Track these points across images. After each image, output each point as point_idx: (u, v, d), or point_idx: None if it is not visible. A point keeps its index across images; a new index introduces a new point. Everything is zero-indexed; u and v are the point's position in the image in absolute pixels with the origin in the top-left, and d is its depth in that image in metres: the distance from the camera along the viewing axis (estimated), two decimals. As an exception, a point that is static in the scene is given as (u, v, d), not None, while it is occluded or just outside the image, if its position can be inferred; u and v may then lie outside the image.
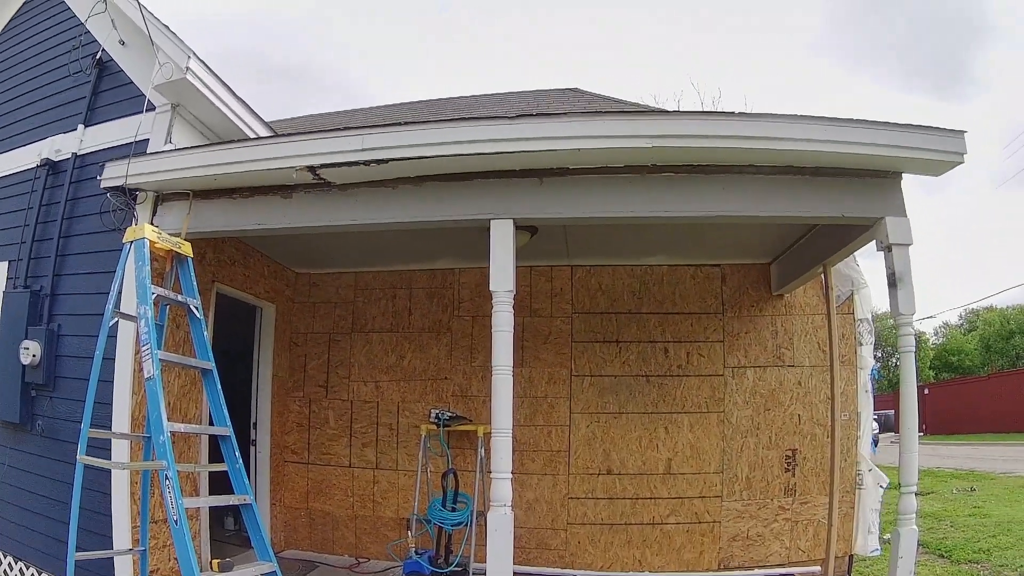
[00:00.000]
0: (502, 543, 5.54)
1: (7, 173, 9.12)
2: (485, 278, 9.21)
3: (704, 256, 9.46)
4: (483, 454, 8.79)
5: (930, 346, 67.38)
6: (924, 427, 31.71)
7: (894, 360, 67.49)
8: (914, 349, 6.03)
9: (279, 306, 10.17)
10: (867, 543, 8.81)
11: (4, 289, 8.53)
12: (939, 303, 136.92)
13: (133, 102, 7.79)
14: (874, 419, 24.21)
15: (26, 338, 7.81)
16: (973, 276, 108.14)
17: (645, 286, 9.61)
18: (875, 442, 15.07)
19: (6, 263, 8.66)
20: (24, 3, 10.13)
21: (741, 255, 9.40)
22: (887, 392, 51.37)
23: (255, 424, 9.94)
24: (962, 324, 74.57)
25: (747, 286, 9.48)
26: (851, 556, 8.83)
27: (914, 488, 5.78)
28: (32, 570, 7.86)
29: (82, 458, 5.56)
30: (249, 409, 9.96)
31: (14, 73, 9.71)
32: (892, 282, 5.84)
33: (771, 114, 5.86)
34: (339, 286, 10.51)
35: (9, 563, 8.23)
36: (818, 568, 8.47)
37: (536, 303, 9.63)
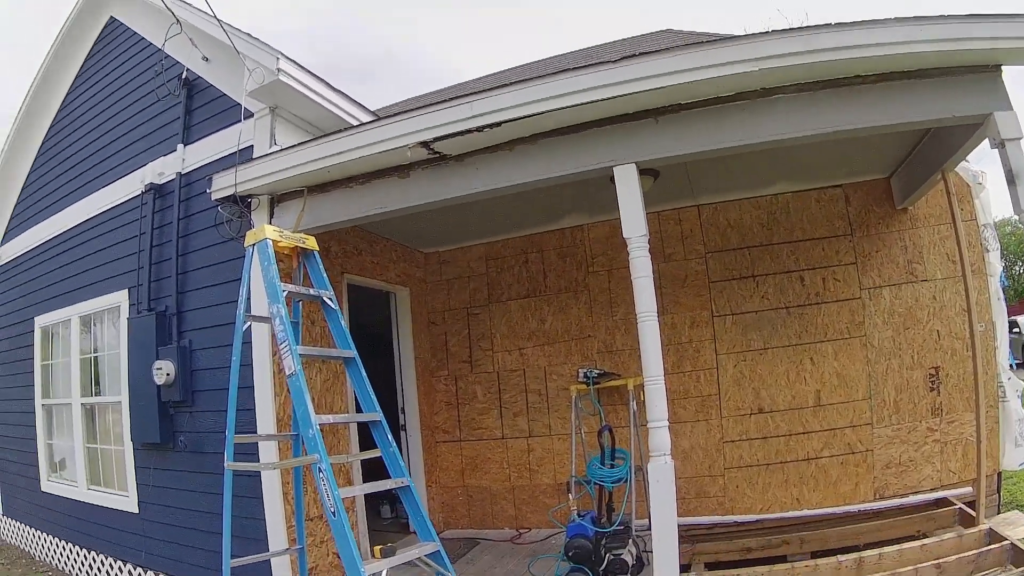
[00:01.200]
0: (665, 493, 5.49)
1: (112, 205, 9.47)
2: (614, 230, 9.38)
3: (826, 178, 9.35)
4: (635, 407, 8.77)
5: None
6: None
7: (1018, 268, 65.71)
8: None
9: (412, 288, 10.36)
10: (1015, 456, 8.66)
11: (128, 316, 8.83)
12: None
13: (228, 113, 7.99)
14: (1014, 326, 23.71)
15: (157, 359, 8.07)
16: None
17: (772, 216, 9.53)
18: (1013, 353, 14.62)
19: (126, 291, 8.99)
20: (95, 43, 10.44)
21: (861, 172, 9.25)
22: (1014, 302, 50.09)
23: (403, 409, 10.15)
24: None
25: (871, 203, 9.33)
26: (999, 473, 8.72)
27: None
28: (188, 584, 8.09)
29: (230, 464, 5.66)
30: (394, 395, 10.16)
31: (100, 109, 10.07)
32: (1010, 179, 5.64)
33: (865, 21, 5.74)
34: (470, 259, 10.67)
35: (162, 582, 8.46)
36: (969, 488, 8.31)
37: (668, 248, 9.60)
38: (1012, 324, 24.07)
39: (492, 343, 10.38)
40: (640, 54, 6.02)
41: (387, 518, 10.45)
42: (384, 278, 9.65)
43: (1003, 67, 5.86)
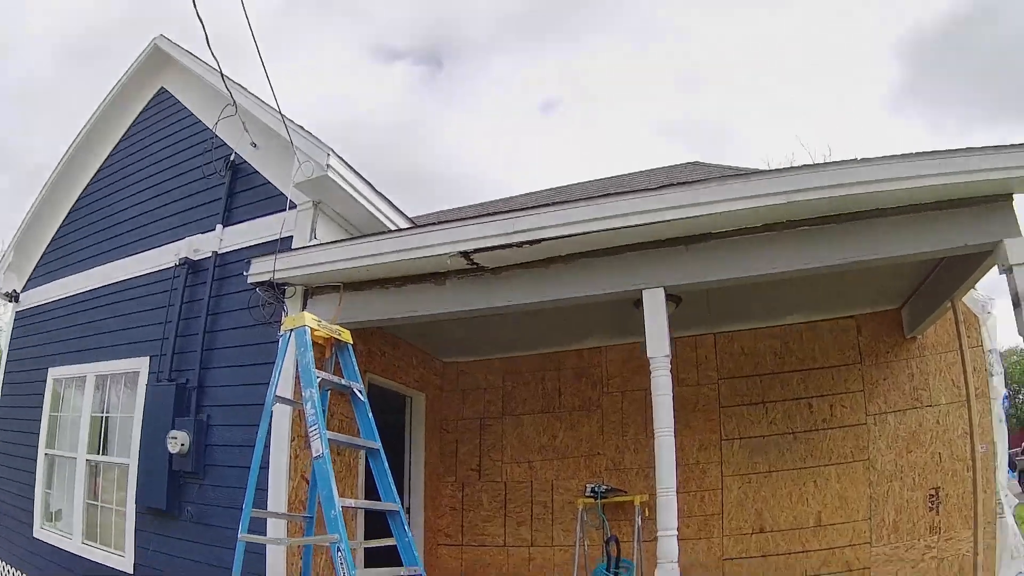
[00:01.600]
0: (671, 596, 5.65)
1: (143, 273, 9.65)
2: (631, 353, 9.63)
3: (838, 309, 9.63)
4: (639, 523, 9.02)
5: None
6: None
7: (1021, 396, 65.74)
8: None
9: (428, 394, 10.56)
10: (1011, 569, 8.84)
11: (147, 383, 8.98)
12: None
13: (271, 201, 8.27)
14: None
15: (173, 428, 8.22)
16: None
17: (785, 345, 9.81)
18: (1012, 466, 14.86)
19: (147, 358, 9.15)
20: (143, 111, 10.75)
21: (873, 303, 9.54)
22: (1015, 431, 50.11)
23: (408, 509, 10.16)
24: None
25: (881, 333, 9.61)
26: (995, 586, 8.86)
27: None
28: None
29: (244, 536, 5.72)
30: (401, 496, 10.22)
31: (141, 177, 10.33)
32: (1016, 302, 5.90)
33: (889, 155, 6.06)
34: (487, 372, 10.89)
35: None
36: (965, 603, 8.50)
37: (682, 373, 9.78)
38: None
39: (502, 454, 10.57)
40: (677, 184, 6.34)
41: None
42: (403, 381, 9.86)
43: (1014, 195, 6.16)
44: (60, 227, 12.05)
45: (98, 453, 9.96)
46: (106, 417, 10.01)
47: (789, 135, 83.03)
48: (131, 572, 8.84)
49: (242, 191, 8.80)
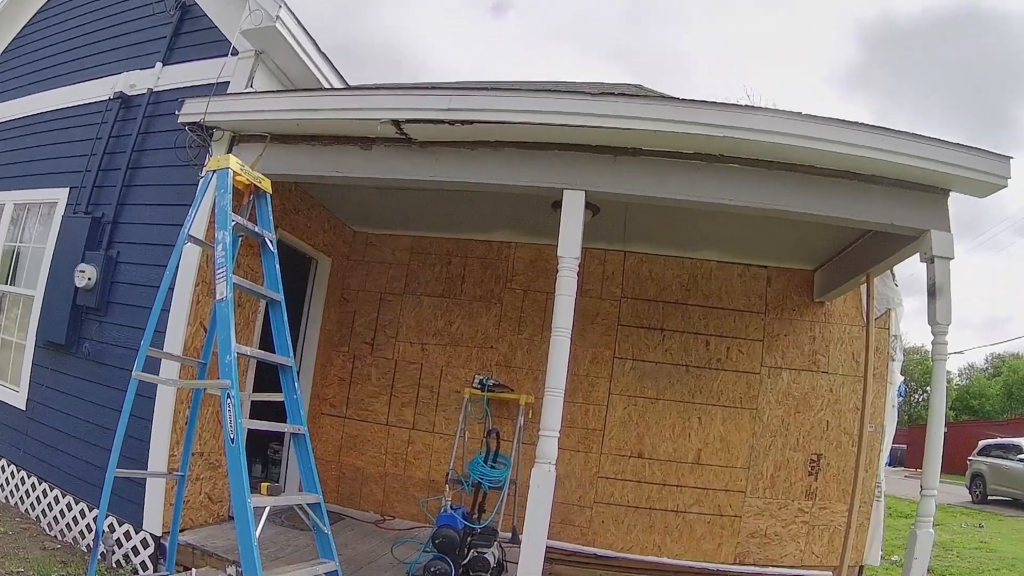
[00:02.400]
0: (543, 498, 5.74)
1: (74, 104, 9.48)
2: (539, 254, 9.68)
3: (753, 256, 9.76)
4: (522, 423, 9.10)
5: (953, 386, 67.29)
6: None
7: (915, 397, 67.46)
8: (947, 358, 6.32)
9: (335, 261, 10.48)
10: (877, 553, 9.14)
11: (64, 214, 8.88)
12: (968, 343, 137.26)
13: (214, 46, 8.14)
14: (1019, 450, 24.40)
15: (82, 261, 8.14)
16: (1003, 326, 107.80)
17: (694, 279, 9.91)
18: (892, 458, 15.33)
19: (67, 189, 9.05)
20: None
21: (788, 259, 9.68)
22: (903, 427, 51.29)
23: (298, 373, 10.13)
24: (987, 369, 74.49)
25: (790, 290, 9.77)
26: (862, 566, 9.10)
27: (935, 492, 6.00)
28: (57, 492, 8.19)
29: (138, 374, 5.69)
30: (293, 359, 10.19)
31: (87, 9, 10.04)
32: (932, 292, 6.12)
33: (837, 119, 6.15)
34: (395, 247, 10.81)
35: (32, 483, 8.56)
36: (830, 574, 8.75)
37: (587, 284, 9.87)
38: (1014, 447, 24.85)
39: (397, 332, 10.55)
40: (617, 94, 6.36)
41: (256, 477, 10.52)
42: (312, 243, 9.79)
43: (951, 192, 6.36)
44: (2, 53, 11.74)
45: (5, 283, 9.84)
46: (18, 248, 9.87)
47: (738, 84, 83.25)
48: (23, 408, 8.87)
49: (187, 32, 8.65)
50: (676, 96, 7.27)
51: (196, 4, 8.64)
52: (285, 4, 7.51)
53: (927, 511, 6.00)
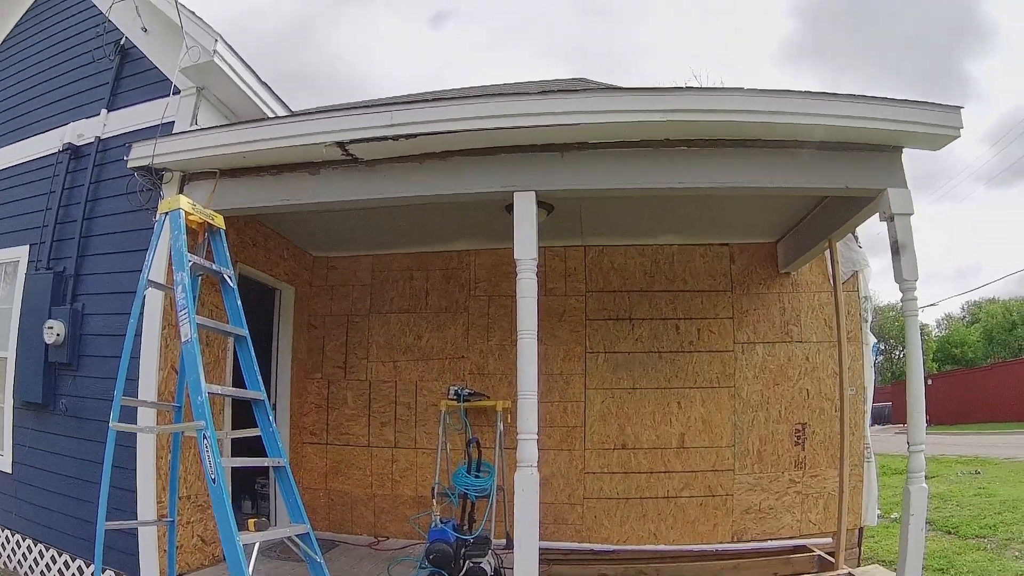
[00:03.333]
0: (529, 502, 5.74)
1: (26, 159, 9.39)
2: (500, 259, 9.63)
3: (713, 235, 9.74)
4: (502, 429, 9.09)
5: (932, 338, 67.60)
6: (928, 417, 32.23)
7: (896, 354, 67.81)
8: (918, 313, 6.39)
9: (298, 288, 10.37)
10: (874, 513, 9.12)
11: (26, 272, 8.78)
12: (942, 295, 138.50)
13: (156, 87, 8.04)
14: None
15: (50, 318, 8.03)
16: (974, 274, 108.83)
17: (656, 265, 9.89)
18: (877, 417, 15.43)
19: (27, 247, 8.93)
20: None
21: (749, 234, 9.69)
22: (885, 384, 51.62)
23: (274, 405, 9.98)
24: (964, 317, 74.92)
25: (755, 264, 9.78)
26: (861, 528, 9.13)
27: (922, 447, 6.06)
28: (53, 551, 8.09)
29: (115, 425, 5.59)
30: (267, 392, 10.06)
31: (31, 63, 9.95)
32: (896, 250, 6.16)
33: (778, 90, 6.15)
34: (357, 268, 10.70)
35: (28, 545, 8.44)
36: (830, 539, 8.67)
37: (550, 283, 9.85)
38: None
39: (368, 352, 10.46)
40: (556, 91, 6.35)
41: (247, 513, 10.42)
42: (273, 273, 9.69)
43: (904, 148, 6.38)
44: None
45: (-25, 346, 9.69)
46: (-15, 309, 9.73)
47: (684, 71, 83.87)
48: (10, 471, 8.73)
49: (129, 75, 8.57)
50: (617, 86, 7.24)
51: (135, 47, 8.57)
52: (221, 38, 7.44)
53: (917, 466, 6.03)
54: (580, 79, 12.98)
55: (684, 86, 6.48)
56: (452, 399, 9.27)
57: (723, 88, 6.37)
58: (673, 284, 9.83)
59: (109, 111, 8.48)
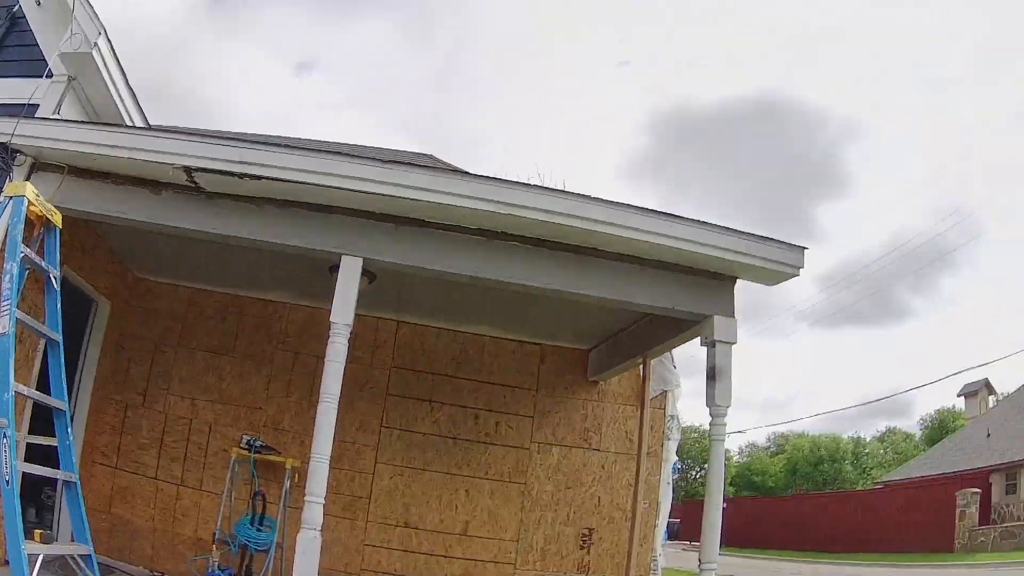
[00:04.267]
0: (309, 565, 5.71)
1: None
2: (312, 318, 9.67)
3: (527, 334, 9.99)
4: (288, 487, 9.01)
5: (733, 463, 69.54)
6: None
7: (692, 473, 69.59)
8: (725, 438, 6.62)
9: (115, 305, 9.87)
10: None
11: None
12: (747, 423, 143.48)
13: (34, 65, 7.83)
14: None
15: None
16: (780, 408, 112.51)
17: (466, 352, 10.06)
18: (668, 532, 15.78)
19: None
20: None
21: (563, 338, 9.97)
22: (678, 503, 52.84)
23: (72, 418, 9.65)
24: (769, 447, 77.10)
25: (564, 368, 10.05)
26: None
27: (714, 566, 6.29)
28: None
29: None
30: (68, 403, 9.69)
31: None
32: (712, 375, 6.43)
33: (617, 202, 6.39)
34: (174, 298, 10.28)
35: None
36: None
37: (358, 351, 9.56)
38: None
39: (169, 385, 10.02)
40: (407, 163, 6.50)
41: (31, 522, 9.94)
42: (95, 284, 9.24)
43: (738, 279, 6.69)
44: None
45: None
46: None
47: (530, 165, 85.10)
48: None
49: (13, 46, 8.28)
50: (465, 170, 7.31)
51: (25, 18, 8.32)
52: (105, 32, 7.41)
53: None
54: (428, 155, 13.10)
55: (526, 183, 6.58)
56: (244, 448, 9.15)
57: (564, 191, 6.50)
58: (479, 374, 9.99)
59: (-17, 75, 8.21)
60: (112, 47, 7.54)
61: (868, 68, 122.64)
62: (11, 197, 5.74)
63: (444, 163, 12.01)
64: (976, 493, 33.60)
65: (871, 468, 66.58)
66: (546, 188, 6.75)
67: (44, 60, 7.67)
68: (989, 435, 41.25)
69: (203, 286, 10.27)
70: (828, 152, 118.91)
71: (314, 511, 5.81)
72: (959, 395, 54.97)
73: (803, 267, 6.43)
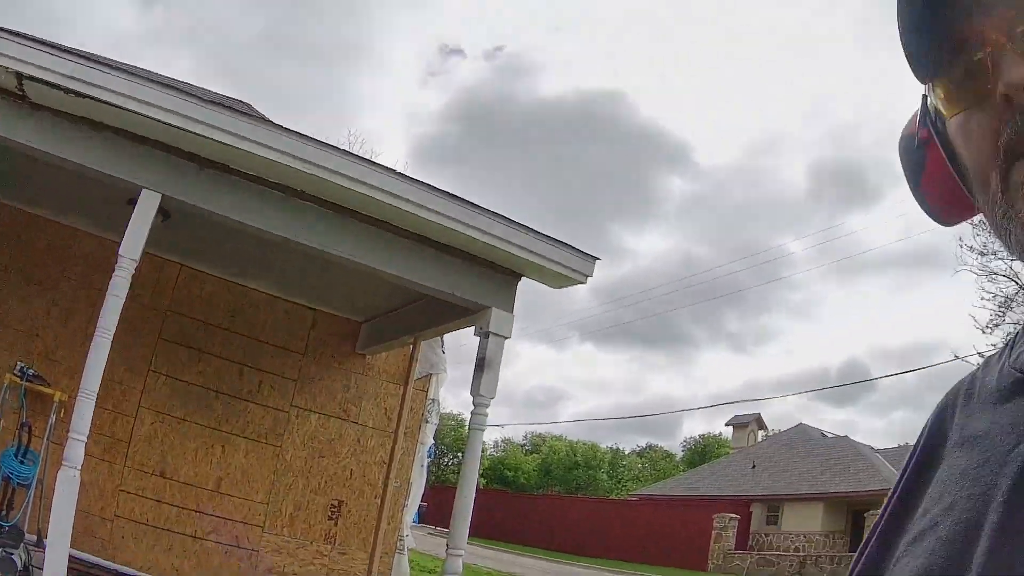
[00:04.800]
0: (67, 505, 5.68)
1: None
2: (102, 248, 9.25)
3: (304, 297, 10.08)
4: (53, 421, 8.70)
5: (488, 455, 70.96)
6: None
7: (447, 460, 70.77)
8: (484, 428, 6.99)
9: None
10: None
11: None
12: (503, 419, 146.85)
13: None
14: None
15: None
16: (541, 409, 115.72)
17: (241, 306, 10.01)
18: (417, 515, 16.27)
19: None
20: None
21: (337, 307, 10.13)
22: (429, 487, 53.57)
23: None
24: (525, 445, 78.87)
25: (334, 337, 10.18)
26: (382, 614, 9.53)
27: (462, 552, 6.61)
28: None
29: None
30: None
31: None
32: (480, 366, 6.71)
33: (424, 182, 6.71)
34: None
35: None
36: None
37: (138, 290, 8.91)
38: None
39: None
40: (228, 107, 6.54)
41: None
42: None
43: (524, 277, 6.99)
44: None
45: None
46: None
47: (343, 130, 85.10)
48: None
49: None
50: (280, 124, 7.39)
51: None
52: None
53: (453, 568, 6.52)
54: (246, 104, 13.04)
55: (342, 148, 6.80)
56: (16, 375, 8.80)
57: (382, 166, 6.71)
58: (252, 330, 9.96)
59: None
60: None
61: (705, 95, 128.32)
62: None
63: (260, 114, 11.99)
64: (735, 518, 36.31)
65: (628, 480, 69.65)
66: (356, 156, 6.94)
67: None
68: (754, 466, 44.56)
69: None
70: (644, 171, 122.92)
71: (77, 449, 5.75)
72: (728, 424, 59.06)
73: (591, 275, 6.83)
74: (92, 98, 6.10)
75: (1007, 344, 0.87)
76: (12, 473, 7.91)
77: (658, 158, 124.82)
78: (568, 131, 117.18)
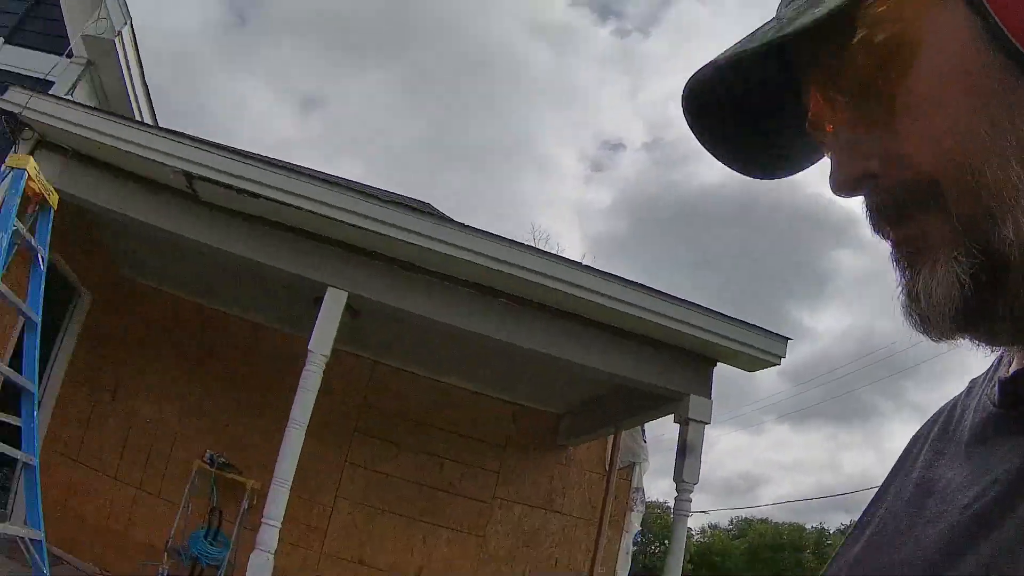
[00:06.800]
0: (259, 586, 5.66)
1: None
2: (290, 345, 9.13)
3: (502, 392, 9.92)
4: (246, 507, 8.87)
5: (694, 542, 69.21)
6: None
7: (653, 548, 69.36)
8: (689, 515, 6.65)
9: (97, 298, 9.68)
10: None
11: None
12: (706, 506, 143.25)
13: (55, 41, 7.87)
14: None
15: None
16: (741, 495, 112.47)
17: (438, 402, 9.93)
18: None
19: None
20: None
21: (536, 400, 9.92)
22: (637, 570, 52.73)
23: (39, 403, 9.49)
24: (731, 530, 76.69)
25: (534, 429, 9.99)
26: None
27: None
28: None
29: None
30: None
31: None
32: (682, 451, 6.44)
33: (614, 275, 6.49)
34: (157, 302, 10.03)
35: None
36: None
37: (332, 384, 9.07)
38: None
39: (141, 387, 9.80)
40: (407, 206, 6.52)
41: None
42: (80, 275, 9.08)
43: (719, 363, 6.73)
44: None
45: None
46: None
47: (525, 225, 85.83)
48: None
49: (38, 18, 8.29)
50: (463, 223, 7.30)
51: (57, -10, 8.33)
52: (131, 23, 7.38)
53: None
54: (426, 203, 13.15)
55: (523, 243, 6.67)
56: (206, 462, 9.03)
57: (562, 257, 6.63)
58: (450, 424, 9.88)
59: (6, 42, 8.18)
60: (135, 39, 7.54)
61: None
62: (12, 168, 5.70)
63: (440, 212, 12.09)
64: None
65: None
66: (544, 252, 6.82)
67: (66, 38, 7.68)
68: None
69: (187, 295, 10.06)
70: (813, 249, 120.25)
71: (270, 534, 5.78)
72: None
73: (784, 356, 6.54)
74: (264, 197, 6.26)
75: (993, 365, 0.70)
76: (201, 553, 7.98)
77: (825, 234, 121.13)
78: (733, 215, 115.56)
